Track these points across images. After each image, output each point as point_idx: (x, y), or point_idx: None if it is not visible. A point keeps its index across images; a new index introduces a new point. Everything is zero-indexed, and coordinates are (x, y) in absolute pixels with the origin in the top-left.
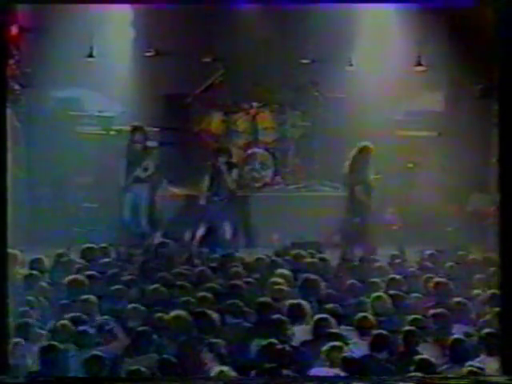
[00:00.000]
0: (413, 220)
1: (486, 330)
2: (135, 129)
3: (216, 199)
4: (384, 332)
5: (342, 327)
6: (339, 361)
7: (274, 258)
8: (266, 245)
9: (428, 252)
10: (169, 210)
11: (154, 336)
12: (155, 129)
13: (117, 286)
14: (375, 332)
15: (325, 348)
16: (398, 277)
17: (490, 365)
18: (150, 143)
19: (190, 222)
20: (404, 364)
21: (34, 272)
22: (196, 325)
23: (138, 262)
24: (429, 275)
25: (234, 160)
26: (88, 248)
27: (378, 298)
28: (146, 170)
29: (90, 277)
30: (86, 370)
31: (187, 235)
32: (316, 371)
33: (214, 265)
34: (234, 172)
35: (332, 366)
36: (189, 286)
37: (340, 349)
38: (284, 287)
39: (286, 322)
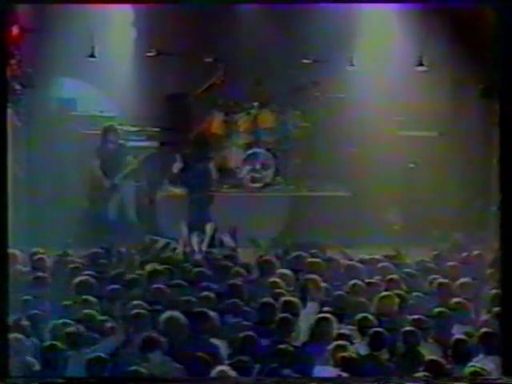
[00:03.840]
0: (414, 220)
1: (485, 330)
2: (107, 129)
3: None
4: (381, 330)
5: (343, 326)
6: (342, 360)
7: (274, 258)
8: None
9: (430, 252)
10: (169, 210)
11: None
12: (155, 129)
13: (118, 287)
14: (373, 330)
15: (330, 347)
16: (396, 276)
17: (489, 365)
18: (127, 142)
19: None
20: (406, 364)
21: (35, 272)
22: (194, 325)
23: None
24: (431, 276)
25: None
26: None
27: (385, 297)
28: (125, 168)
29: (91, 277)
30: (88, 371)
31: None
32: (318, 371)
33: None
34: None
35: (336, 365)
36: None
37: (344, 348)
38: (284, 287)
39: (291, 322)
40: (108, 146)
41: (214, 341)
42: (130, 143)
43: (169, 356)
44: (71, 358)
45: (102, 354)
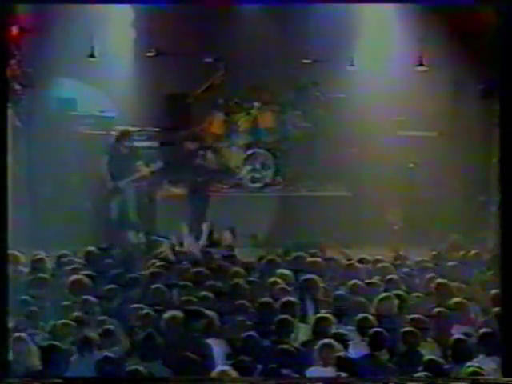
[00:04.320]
0: (414, 220)
1: (485, 330)
2: (124, 134)
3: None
4: (381, 330)
5: (342, 326)
6: (332, 360)
7: (274, 257)
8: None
9: (430, 252)
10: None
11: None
12: (155, 129)
13: (117, 286)
14: (373, 331)
15: (317, 347)
16: (395, 277)
17: (488, 365)
18: (138, 144)
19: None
20: (405, 364)
21: (35, 272)
22: (192, 324)
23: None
24: (430, 276)
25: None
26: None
27: (385, 298)
28: (134, 174)
29: (91, 277)
30: (98, 370)
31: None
32: (312, 371)
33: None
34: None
35: (325, 365)
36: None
37: (331, 347)
38: (284, 287)
39: (291, 322)
40: (120, 149)
41: (210, 341)
42: (141, 148)
43: (165, 356)
44: (74, 358)
45: (110, 354)
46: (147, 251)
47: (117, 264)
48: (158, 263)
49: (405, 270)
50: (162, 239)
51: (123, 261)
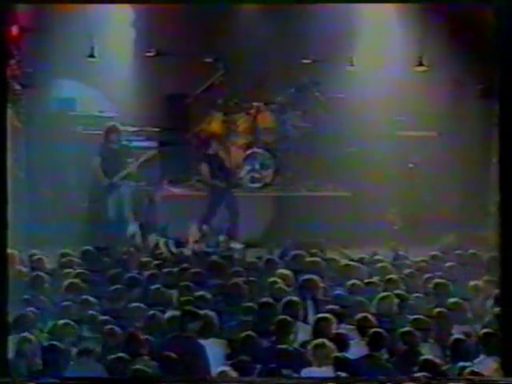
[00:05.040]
0: (414, 220)
1: (485, 330)
2: (110, 129)
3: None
4: (381, 330)
5: (343, 326)
6: (325, 360)
7: (273, 257)
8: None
9: (429, 252)
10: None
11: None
12: (155, 129)
13: (116, 287)
14: (372, 331)
15: (310, 347)
16: (395, 277)
17: (488, 365)
18: (132, 143)
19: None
20: (405, 364)
21: (34, 272)
22: (187, 325)
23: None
24: (428, 275)
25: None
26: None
27: (384, 298)
28: (124, 169)
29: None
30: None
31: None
32: (307, 371)
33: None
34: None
35: (319, 365)
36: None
37: (324, 347)
38: (284, 287)
39: (290, 323)
40: (110, 145)
41: (210, 341)
42: (131, 143)
43: (159, 356)
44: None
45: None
46: (144, 250)
47: (114, 263)
48: (155, 262)
49: (404, 269)
50: (160, 238)
51: (120, 260)
